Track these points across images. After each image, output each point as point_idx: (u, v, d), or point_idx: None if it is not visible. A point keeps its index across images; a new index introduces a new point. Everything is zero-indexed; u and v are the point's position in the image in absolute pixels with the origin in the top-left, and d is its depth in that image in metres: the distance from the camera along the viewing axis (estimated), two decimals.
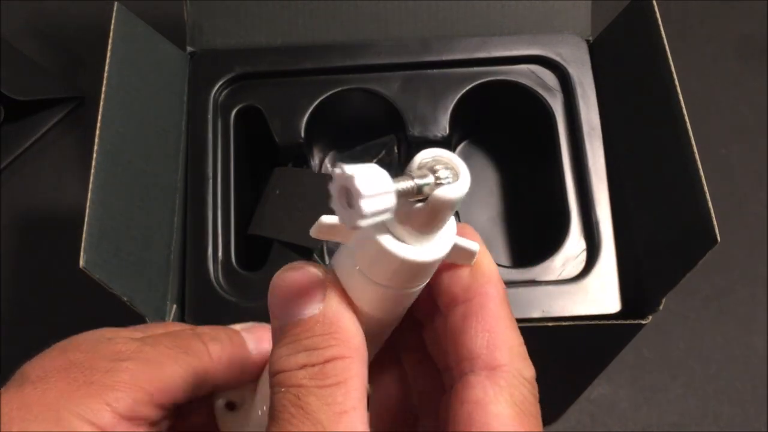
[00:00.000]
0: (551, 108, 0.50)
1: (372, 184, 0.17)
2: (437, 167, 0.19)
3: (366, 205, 0.17)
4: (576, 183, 0.48)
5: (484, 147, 0.57)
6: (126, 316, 0.38)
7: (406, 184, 0.18)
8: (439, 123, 0.50)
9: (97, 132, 0.41)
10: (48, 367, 0.24)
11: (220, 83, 0.50)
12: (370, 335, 0.22)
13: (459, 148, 0.57)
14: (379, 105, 0.51)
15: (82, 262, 0.36)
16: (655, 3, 0.45)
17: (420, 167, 0.19)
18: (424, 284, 0.22)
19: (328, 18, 0.51)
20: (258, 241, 0.48)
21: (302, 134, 0.49)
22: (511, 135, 0.56)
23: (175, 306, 0.44)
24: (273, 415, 0.20)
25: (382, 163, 0.56)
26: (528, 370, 0.22)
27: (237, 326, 0.27)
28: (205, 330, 0.26)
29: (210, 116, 0.49)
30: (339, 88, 0.50)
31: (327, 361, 0.20)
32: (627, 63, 0.48)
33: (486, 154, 0.57)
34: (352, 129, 0.54)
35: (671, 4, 0.75)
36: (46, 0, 0.76)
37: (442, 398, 0.24)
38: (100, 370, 0.23)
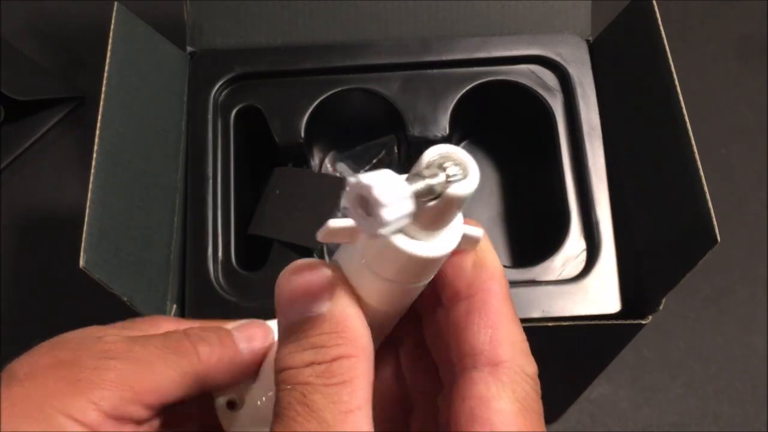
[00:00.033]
0: (551, 108, 0.50)
1: (390, 192, 0.17)
2: (446, 164, 0.19)
3: (387, 214, 0.17)
4: (576, 183, 0.48)
5: (484, 147, 0.57)
6: (126, 316, 0.38)
7: (419, 185, 0.18)
8: (439, 123, 0.50)
9: (97, 132, 0.41)
10: (36, 364, 0.23)
11: (220, 83, 0.50)
12: (374, 328, 0.22)
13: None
14: (379, 105, 0.51)
15: (82, 262, 0.36)
16: (655, 3, 0.45)
17: (429, 166, 0.19)
18: (431, 278, 0.22)
19: (328, 18, 0.51)
20: (258, 241, 0.48)
21: (302, 134, 0.49)
22: (511, 135, 0.56)
23: (175, 306, 0.44)
24: (278, 411, 0.20)
25: (382, 163, 0.56)
26: (530, 366, 0.22)
27: (229, 324, 0.27)
28: (196, 330, 0.26)
29: (210, 116, 0.49)
30: (339, 88, 0.50)
31: (334, 360, 0.20)
32: (627, 63, 0.48)
33: (486, 154, 0.57)
34: (352, 129, 0.54)
35: (671, 4, 0.75)
36: (46, 0, 0.76)
37: (440, 393, 0.24)
38: (87, 367, 0.23)
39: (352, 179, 0.18)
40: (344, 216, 0.19)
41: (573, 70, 0.50)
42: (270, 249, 0.47)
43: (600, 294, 0.44)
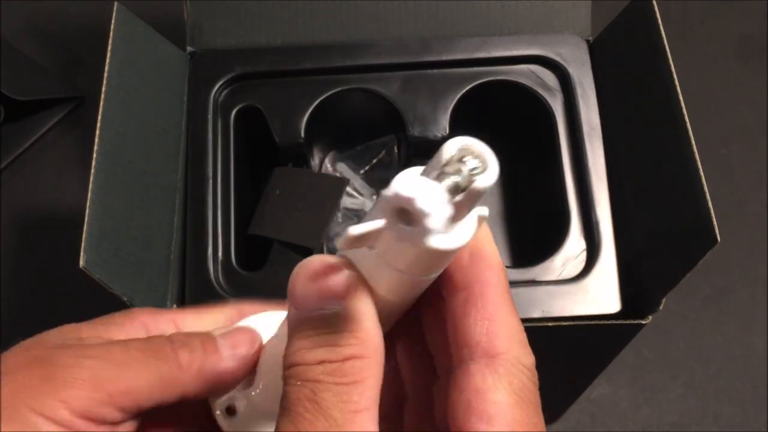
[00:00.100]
0: (551, 108, 0.50)
1: (431, 200, 0.17)
2: (465, 158, 0.19)
3: (433, 223, 0.17)
4: (576, 183, 0.48)
5: None
6: None
7: (449, 184, 0.18)
8: (439, 123, 0.50)
9: (97, 132, 0.41)
10: (10, 363, 0.23)
11: (220, 83, 0.50)
12: (381, 319, 0.22)
13: None
14: (379, 105, 0.51)
15: (82, 262, 0.36)
16: (655, 3, 0.45)
17: (449, 162, 0.19)
18: (444, 269, 0.22)
19: (328, 18, 0.51)
20: (258, 241, 0.48)
21: (302, 134, 0.49)
22: (511, 135, 0.56)
23: (175, 306, 0.44)
24: (286, 406, 0.20)
25: (382, 164, 0.56)
26: (527, 358, 0.22)
27: (216, 330, 0.27)
28: (179, 336, 0.26)
29: (210, 116, 0.49)
30: (339, 88, 0.50)
31: (346, 359, 0.20)
32: (627, 63, 0.48)
33: None
34: (352, 129, 0.54)
35: (671, 4, 0.75)
36: (46, 0, 0.76)
37: (434, 384, 0.24)
38: (61, 366, 0.23)
39: (387, 193, 0.18)
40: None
41: (573, 70, 0.50)
42: (270, 249, 0.47)
43: (600, 294, 0.44)
